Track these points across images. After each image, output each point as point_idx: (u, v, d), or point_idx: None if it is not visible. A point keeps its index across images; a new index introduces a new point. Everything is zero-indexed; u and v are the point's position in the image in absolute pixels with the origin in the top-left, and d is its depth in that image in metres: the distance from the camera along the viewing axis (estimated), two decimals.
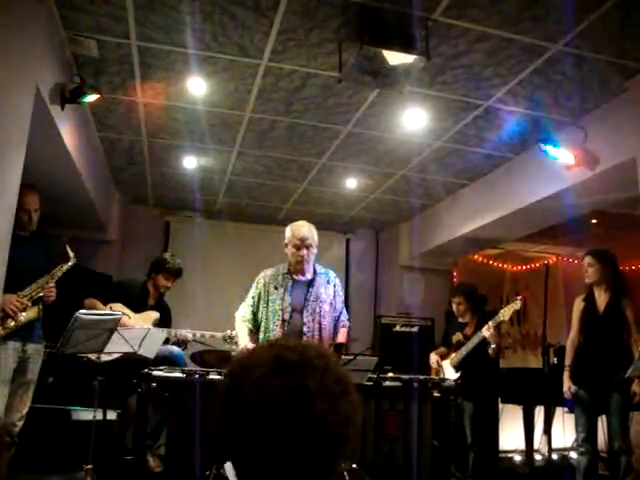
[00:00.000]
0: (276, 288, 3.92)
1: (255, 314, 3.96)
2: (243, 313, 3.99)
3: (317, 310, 3.87)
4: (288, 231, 3.95)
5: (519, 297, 4.64)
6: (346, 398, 1.04)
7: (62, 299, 3.70)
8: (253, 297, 3.99)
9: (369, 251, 8.19)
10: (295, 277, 3.95)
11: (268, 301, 3.91)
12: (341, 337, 4.00)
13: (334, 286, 4.03)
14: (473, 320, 4.90)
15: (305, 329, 3.81)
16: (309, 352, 1.06)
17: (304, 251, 3.86)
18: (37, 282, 3.55)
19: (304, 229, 3.91)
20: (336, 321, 4.02)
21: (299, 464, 0.97)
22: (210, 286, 6.71)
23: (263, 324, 3.90)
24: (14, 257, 3.29)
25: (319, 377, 1.01)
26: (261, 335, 3.91)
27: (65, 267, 3.71)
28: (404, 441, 3.75)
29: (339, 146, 5.23)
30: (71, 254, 3.76)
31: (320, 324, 3.85)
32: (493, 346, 4.56)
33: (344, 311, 4.11)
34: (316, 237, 3.95)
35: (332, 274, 4.09)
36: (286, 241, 3.94)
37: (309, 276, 3.97)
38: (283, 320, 3.83)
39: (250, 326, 3.96)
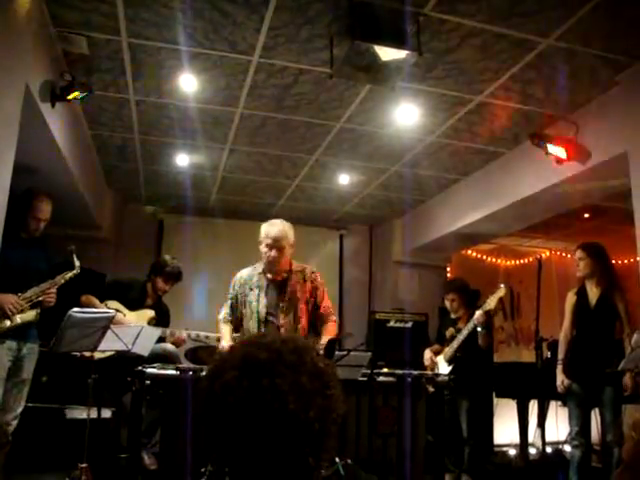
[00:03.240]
0: (252, 289, 3.86)
1: (235, 314, 3.93)
2: (224, 314, 3.97)
3: (292, 310, 3.80)
4: (262, 229, 3.83)
5: (502, 285, 4.68)
6: (324, 393, 1.02)
7: (57, 298, 3.70)
8: (231, 298, 3.95)
9: (363, 247, 8.20)
10: (269, 276, 3.87)
11: (245, 302, 3.87)
12: (331, 331, 3.88)
13: (311, 282, 3.91)
14: (465, 315, 4.93)
15: (282, 330, 3.72)
16: (281, 348, 1.05)
17: (274, 252, 3.74)
18: (39, 286, 3.57)
19: (277, 229, 3.78)
20: (320, 316, 3.91)
21: (279, 461, 0.97)
22: (203, 283, 6.70)
23: (243, 326, 3.88)
24: (16, 258, 3.30)
25: (291, 374, 1.00)
26: (239, 337, 3.88)
27: (68, 275, 3.74)
28: (398, 436, 3.76)
29: (331, 142, 5.23)
30: (77, 263, 3.78)
31: (298, 324, 3.78)
32: (480, 329, 4.57)
33: (328, 304, 3.97)
34: (291, 237, 3.82)
35: (308, 270, 3.95)
36: (260, 239, 3.82)
37: (284, 274, 3.86)
38: (260, 321, 3.78)
39: (232, 326, 3.93)
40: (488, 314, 4.63)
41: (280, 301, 3.82)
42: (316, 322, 3.93)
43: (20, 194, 3.18)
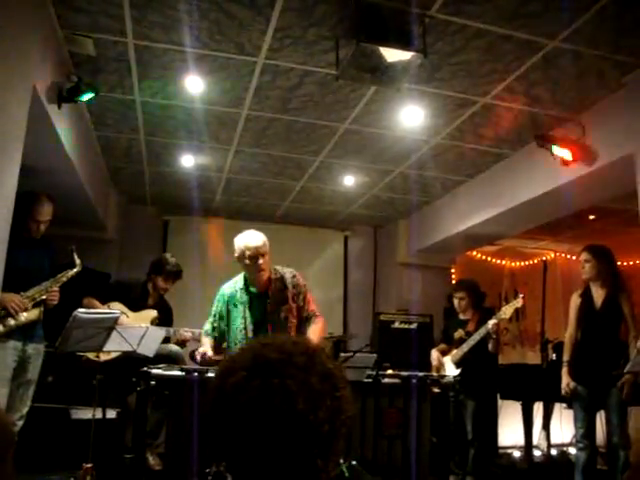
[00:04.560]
0: (235, 305, 3.80)
1: (217, 330, 3.87)
2: (206, 329, 3.92)
3: (279, 321, 3.74)
4: (240, 244, 3.70)
5: (521, 295, 4.64)
6: (333, 394, 1.03)
7: (61, 298, 3.71)
8: (214, 315, 3.89)
9: (367, 248, 8.20)
10: (251, 290, 3.80)
11: (229, 319, 3.81)
12: (317, 332, 3.80)
13: (292, 287, 3.82)
14: (474, 317, 4.91)
15: None
16: (292, 349, 1.05)
17: (261, 260, 3.65)
18: (41, 285, 3.59)
19: (254, 238, 3.70)
20: (305, 319, 3.84)
21: (288, 463, 0.98)
22: (208, 284, 6.70)
23: (227, 342, 3.82)
24: (18, 258, 3.31)
25: (301, 375, 1.01)
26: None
27: (70, 273, 3.76)
28: (403, 438, 3.76)
29: (337, 143, 5.23)
30: (77, 261, 3.80)
31: (288, 333, 3.70)
32: (494, 336, 4.58)
33: (312, 305, 3.88)
34: (267, 243, 3.72)
35: (288, 275, 3.85)
36: (238, 254, 3.70)
37: (264, 285, 3.79)
38: (247, 337, 3.71)
39: (213, 341, 3.87)
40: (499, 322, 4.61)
41: (265, 314, 3.75)
42: (303, 325, 3.84)
43: (20, 196, 3.18)
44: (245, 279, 3.83)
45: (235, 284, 3.88)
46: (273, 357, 1.03)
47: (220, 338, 3.89)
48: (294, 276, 3.88)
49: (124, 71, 4.05)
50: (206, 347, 3.78)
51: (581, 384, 4.04)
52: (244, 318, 3.76)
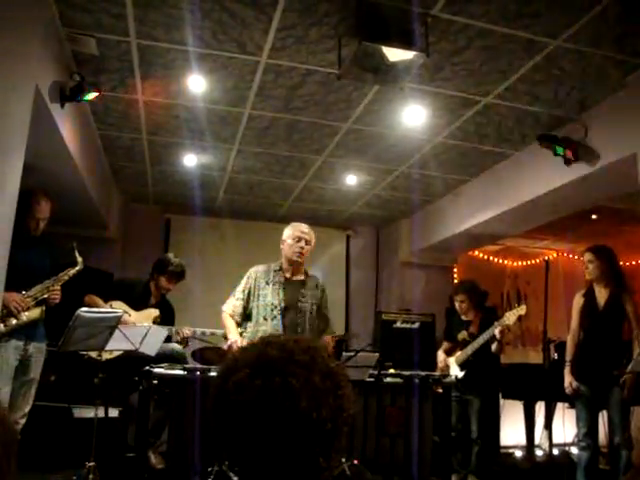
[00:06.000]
0: (267, 284, 3.96)
1: (245, 308, 3.99)
2: (232, 307, 4.00)
3: (308, 309, 3.92)
4: (288, 228, 4.04)
5: (524, 303, 4.67)
6: (335, 393, 1.03)
7: (63, 296, 3.71)
8: (243, 291, 4.01)
9: (369, 247, 8.20)
10: (287, 275, 4.00)
11: (259, 295, 3.94)
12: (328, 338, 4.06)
13: (322, 291, 4.09)
14: (477, 318, 4.91)
15: (298, 329, 3.84)
16: (294, 347, 1.05)
17: (303, 243, 3.94)
18: (43, 283, 3.58)
19: (304, 225, 4.03)
20: (325, 324, 4.07)
21: (290, 461, 0.98)
22: (210, 283, 6.71)
23: (254, 319, 3.93)
24: (19, 257, 3.30)
25: (304, 373, 1.01)
26: (250, 329, 3.93)
27: (72, 271, 3.75)
28: (405, 437, 3.77)
29: (339, 143, 5.23)
30: (79, 259, 3.79)
31: (311, 324, 3.90)
32: (499, 340, 4.59)
33: (330, 319, 4.16)
34: (314, 237, 4.03)
35: (319, 280, 4.15)
36: (284, 237, 4.01)
37: (301, 277, 4.04)
38: (274, 316, 3.86)
39: (239, 320, 3.99)
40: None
41: (298, 300, 3.92)
42: (319, 328, 4.01)
43: (19, 194, 3.18)
44: (281, 264, 4.03)
45: (269, 266, 4.06)
46: (275, 355, 1.03)
47: (246, 318, 3.99)
48: (322, 282, 4.16)
49: (127, 70, 4.05)
50: (235, 334, 3.88)
51: (584, 383, 4.04)
52: (275, 296, 3.91)
